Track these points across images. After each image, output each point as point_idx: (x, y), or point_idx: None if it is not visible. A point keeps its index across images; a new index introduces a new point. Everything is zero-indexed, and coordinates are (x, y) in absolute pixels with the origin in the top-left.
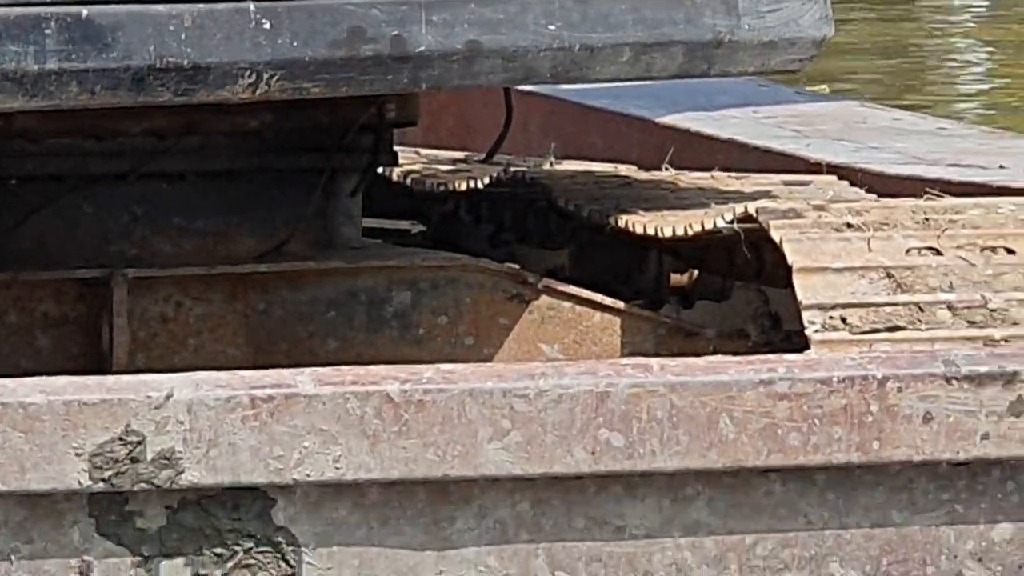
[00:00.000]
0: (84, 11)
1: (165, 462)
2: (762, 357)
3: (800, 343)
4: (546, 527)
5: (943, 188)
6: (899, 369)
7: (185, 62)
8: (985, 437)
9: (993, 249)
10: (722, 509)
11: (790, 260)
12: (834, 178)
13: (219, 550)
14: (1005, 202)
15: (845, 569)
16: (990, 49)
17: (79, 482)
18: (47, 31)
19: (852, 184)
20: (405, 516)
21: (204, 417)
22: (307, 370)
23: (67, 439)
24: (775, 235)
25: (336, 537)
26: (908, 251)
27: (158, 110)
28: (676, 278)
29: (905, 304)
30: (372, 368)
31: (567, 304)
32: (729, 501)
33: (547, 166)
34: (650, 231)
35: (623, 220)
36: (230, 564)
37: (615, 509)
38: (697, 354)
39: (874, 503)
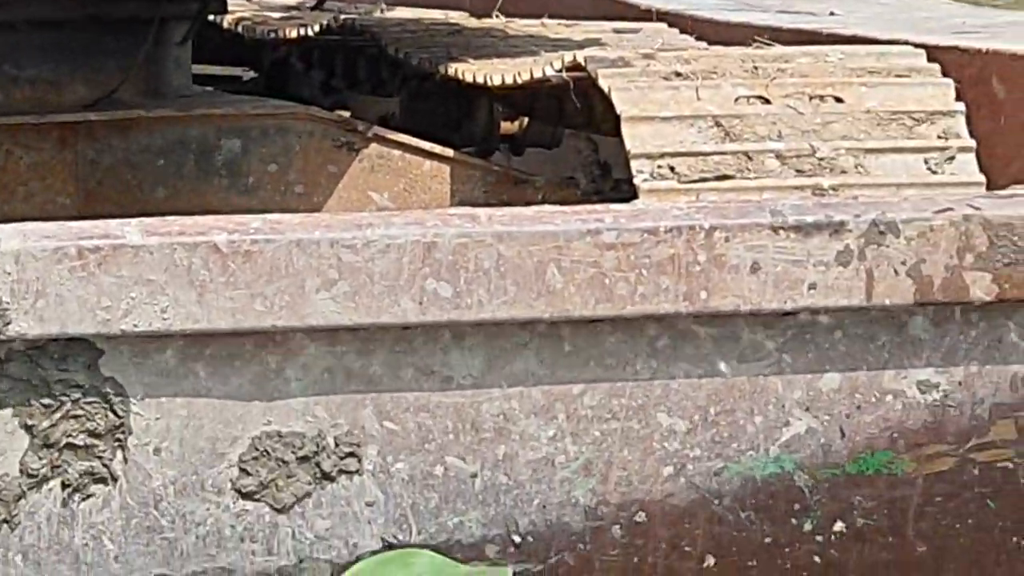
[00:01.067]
0: None
1: None
2: (589, 207)
3: (629, 192)
4: (374, 377)
5: (772, 36)
6: (727, 219)
7: None
8: (812, 287)
9: (821, 98)
10: (549, 359)
11: (618, 109)
12: (664, 25)
13: (47, 401)
14: (834, 50)
15: (672, 418)
16: None
17: None
18: None
19: (682, 31)
20: (232, 367)
21: (31, 268)
22: (134, 221)
23: None
24: (603, 84)
25: (163, 387)
26: (737, 100)
27: None
28: (506, 126)
29: (734, 153)
30: (199, 218)
31: (397, 152)
32: (556, 351)
33: (378, 13)
34: (479, 79)
35: (453, 68)
36: (57, 415)
37: (442, 359)
38: (527, 202)
39: (701, 353)
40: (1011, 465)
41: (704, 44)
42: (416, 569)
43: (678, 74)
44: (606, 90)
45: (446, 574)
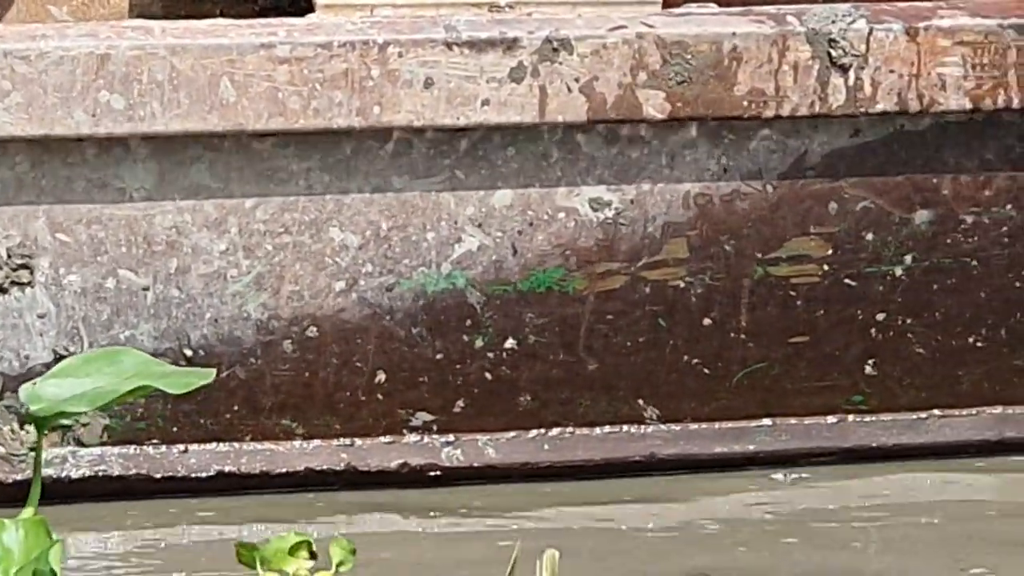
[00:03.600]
0: None
1: None
2: (264, 21)
3: (307, 7)
4: (46, 189)
5: None
6: (400, 34)
7: None
8: (485, 103)
9: None
10: (222, 172)
11: None
12: None
13: None
14: None
15: (345, 233)
16: None
17: None
18: None
19: None
20: None
21: None
22: None
23: None
24: None
25: None
26: None
27: None
28: None
29: None
30: None
31: None
32: (230, 164)
33: None
34: None
35: None
36: None
37: (115, 171)
38: (203, 17)
39: (375, 168)
40: (682, 284)
41: None
42: (124, 365)
43: None
44: None
45: (152, 371)
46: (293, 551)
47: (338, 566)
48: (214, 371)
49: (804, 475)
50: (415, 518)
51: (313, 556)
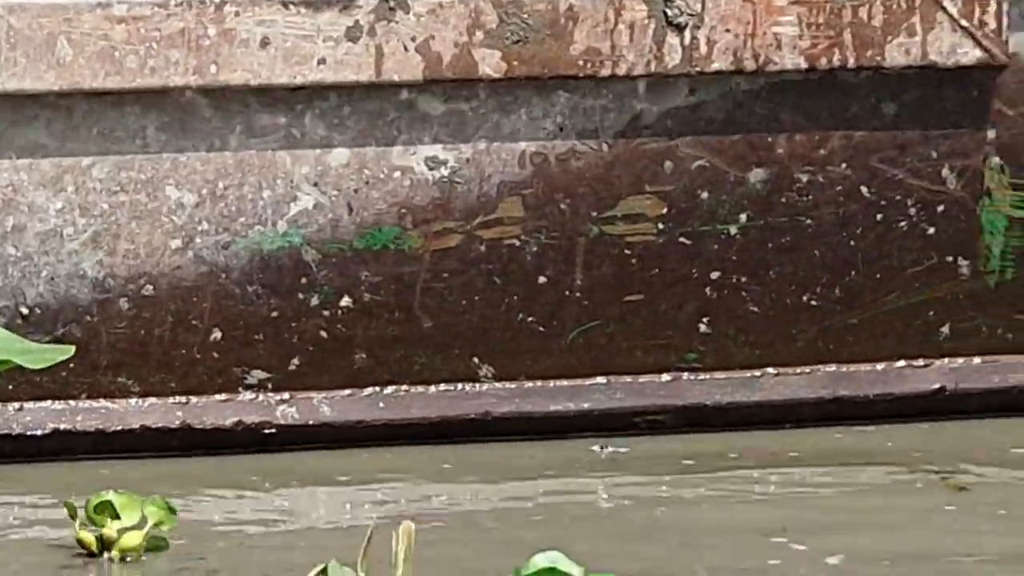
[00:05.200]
0: None
1: None
2: None
3: None
4: None
5: None
6: None
7: None
8: (322, 62)
9: None
10: (59, 131)
11: None
12: None
13: None
14: None
15: (181, 192)
16: None
17: None
18: None
19: None
20: None
21: None
22: None
23: None
24: None
25: None
26: None
27: None
28: None
29: None
30: None
31: None
32: (66, 123)
33: None
34: None
35: None
36: None
37: None
38: None
39: (211, 127)
40: (518, 242)
41: None
42: None
43: None
44: None
45: (12, 347)
46: (99, 510)
47: (155, 525)
48: (73, 348)
49: (621, 448)
50: (257, 482)
51: (119, 516)
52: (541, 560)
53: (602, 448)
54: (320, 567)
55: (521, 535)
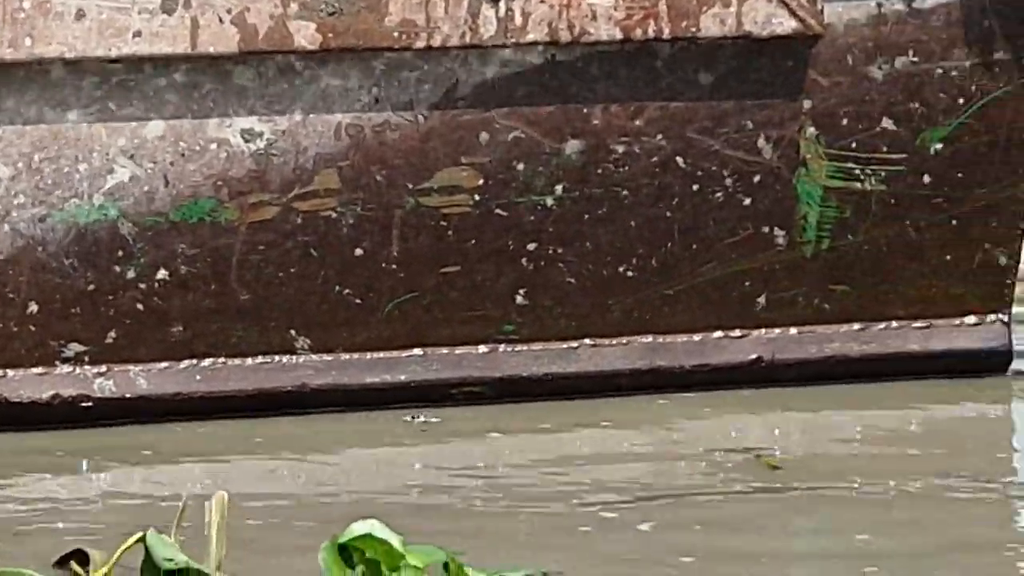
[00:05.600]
0: None
1: None
2: None
3: None
4: None
5: None
6: None
7: None
8: (137, 35)
9: None
10: None
11: None
12: None
13: None
14: None
15: None
16: None
17: None
18: None
19: None
20: None
21: None
22: None
23: None
24: None
25: None
26: None
27: None
28: None
29: None
30: None
31: None
32: None
33: None
34: None
35: None
36: None
37: None
38: None
39: (26, 100)
40: (334, 215)
41: None
42: None
43: None
44: None
45: None
46: None
47: None
48: None
49: (433, 419)
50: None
51: None
52: (359, 527)
53: (413, 418)
54: (138, 536)
55: (334, 508)
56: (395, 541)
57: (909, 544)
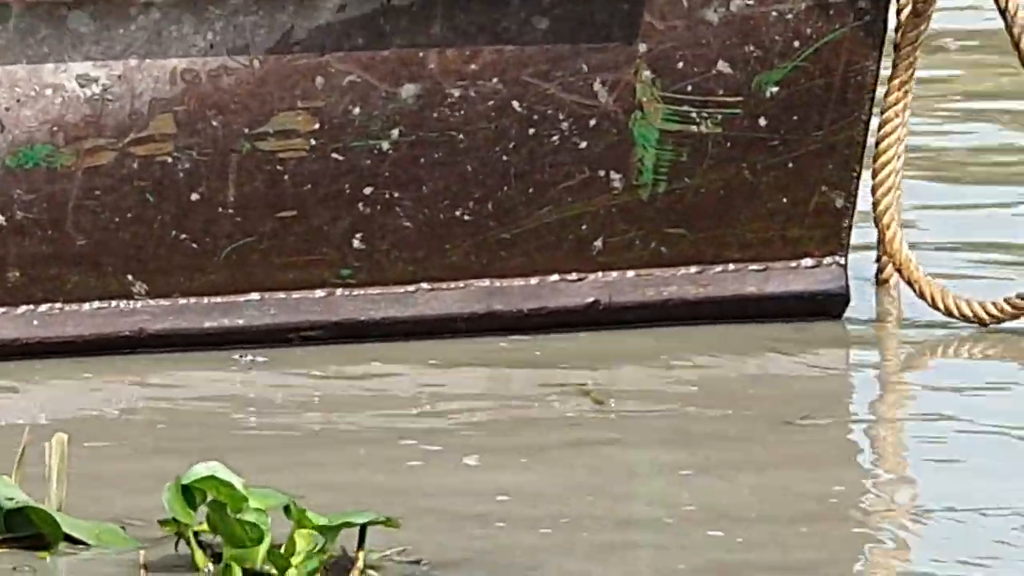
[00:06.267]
0: None
1: None
2: None
3: None
4: None
5: None
6: None
7: None
8: None
9: None
10: None
11: None
12: None
13: None
14: None
15: None
16: None
17: None
18: None
19: None
20: None
21: None
22: None
23: None
24: None
25: None
26: None
27: None
28: None
29: None
30: None
31: None
32: None
33: None
34: None
35: None
36: None
37: None
38: None
39: None
40: (170, 159)
41: None
42: None
43: None
44: None
45: None
46: None
47: None
48: None
49: (260, 358)
50: None
51: None
52: (202, 469)
53: (242, 356)
54: None
55: (175, 446)
56: (237, 483)
57: (740, 483)
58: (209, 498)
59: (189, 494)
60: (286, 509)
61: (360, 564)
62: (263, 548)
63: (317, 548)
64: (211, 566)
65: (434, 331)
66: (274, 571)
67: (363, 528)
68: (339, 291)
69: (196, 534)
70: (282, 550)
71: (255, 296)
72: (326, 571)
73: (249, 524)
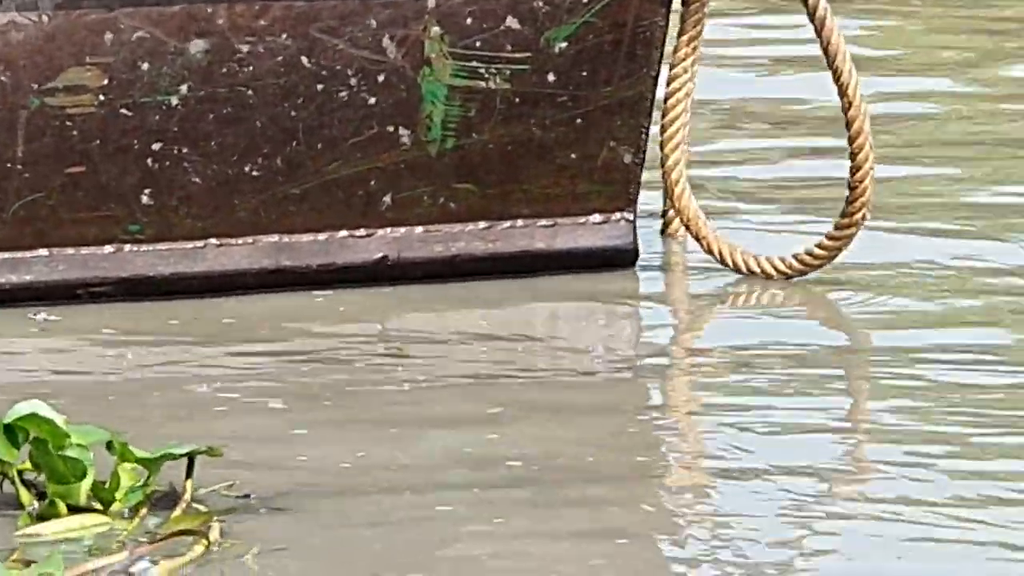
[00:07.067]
0: None
1: None
2: None
3: None
4: None
5: None
6: None
7: None
8: None
9: None
10: None
11: None
12: None
13: None
14: None
15: None
16: None
17: None
18: None
19: None
20: None
21: None
22: None
23: None
24: None
25: None
26: None
27: None
28: None
29: None
30: None
31: None
32: None
33: None
34: None
35: None
36: None
37: None
38: None
39: None
40: None
41: None
42: None
43: None
44: None
45: None
46: None
47: None
48: None
49: (53, 316)
50: None
51: None
52: (23, 407)
53: (36, 315)
54: None
55: None
56: (59, 420)
57: (536, 432)
58: (32, 436)
59: (11, 433)
60: (108, 444)
61: (188, 496)
62: (86, 483)
63: (141, 482)
64: (36, 504)
65: (223, 287)
66: (99, 506)
67: (191, 461)
68: (128, 247)
69: (20, 472)
70: (106, 485)
71: (43, 252)
72: (153, 505)
73: (72, 460)
